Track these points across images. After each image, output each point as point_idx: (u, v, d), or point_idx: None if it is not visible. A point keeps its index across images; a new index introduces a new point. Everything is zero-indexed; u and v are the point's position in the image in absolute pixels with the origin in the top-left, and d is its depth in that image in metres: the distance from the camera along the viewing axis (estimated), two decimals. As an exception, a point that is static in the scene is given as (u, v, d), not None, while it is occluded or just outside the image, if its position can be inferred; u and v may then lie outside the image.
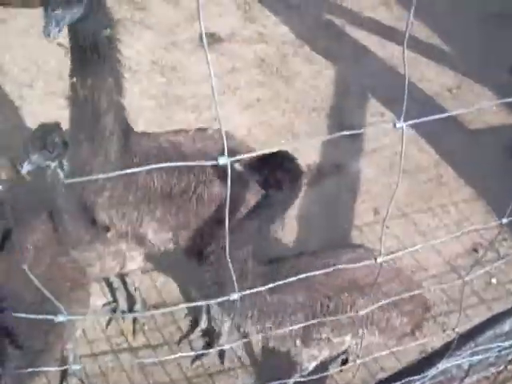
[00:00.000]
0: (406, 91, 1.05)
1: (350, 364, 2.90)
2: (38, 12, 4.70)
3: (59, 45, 4.66)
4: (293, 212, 3.65)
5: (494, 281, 3.51)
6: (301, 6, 5.30)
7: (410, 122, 1.04)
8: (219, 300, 1.26)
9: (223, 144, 1.02)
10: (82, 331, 2.96)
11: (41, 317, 1.16)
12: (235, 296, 1.22)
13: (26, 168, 2.31)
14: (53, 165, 2.33)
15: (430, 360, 2.48)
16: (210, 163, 1.04)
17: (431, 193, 3.92)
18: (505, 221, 1.40)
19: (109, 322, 3.12)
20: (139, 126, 4.04)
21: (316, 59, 4.79)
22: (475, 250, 3.62)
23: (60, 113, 3.53)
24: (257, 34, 4.97)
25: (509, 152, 4.11)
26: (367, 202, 3.79)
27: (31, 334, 2.17)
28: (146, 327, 3.14)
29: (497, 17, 5.18)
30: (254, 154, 2.03)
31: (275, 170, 2.20)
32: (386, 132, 4.21)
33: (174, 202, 2.54)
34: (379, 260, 1.30)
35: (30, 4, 4.87)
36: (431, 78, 4.73)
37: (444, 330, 3.24)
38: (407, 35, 1.07)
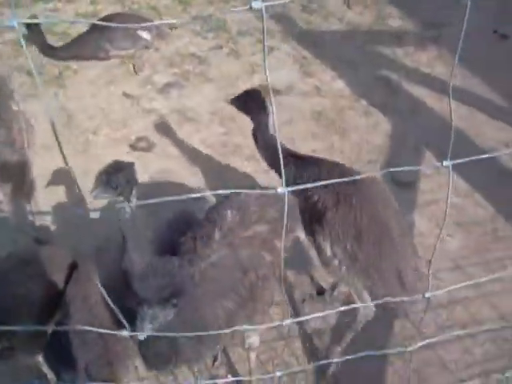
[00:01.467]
0: (453, 130, 1.10)
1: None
2: (107, 63, 5.01)
3: (125, 95, 4.90)
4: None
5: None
6: (357, 61, 5.43)
7: (457, 161, 1.10)
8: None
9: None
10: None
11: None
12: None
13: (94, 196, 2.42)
14: (120, 199, 2.40)
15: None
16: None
17: (487, 246, 3.88)
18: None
19: None
20: (198, 174, 4.21)
21: (372, 113, 4.87)
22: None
23: (123, 158, 3.72)
24: (314, 88, 5.10)
25: None
26: (420, 253, 3.78)
27: None
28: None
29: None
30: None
31: None
32: (440, 185, 4.22)
33: None
34: (427, 295, 1.34)
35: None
36: (487, 133, 4.74)
37: (500, 385, 3.17)
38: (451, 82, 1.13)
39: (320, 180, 2.67)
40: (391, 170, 1.15)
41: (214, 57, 5.44)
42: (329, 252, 2.86)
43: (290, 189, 1.02)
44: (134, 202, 2.39)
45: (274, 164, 3.27)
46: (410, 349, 1.35)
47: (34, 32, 4.55)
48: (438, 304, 3.49)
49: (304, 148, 4.45)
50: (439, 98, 5.04)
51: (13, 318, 2.44)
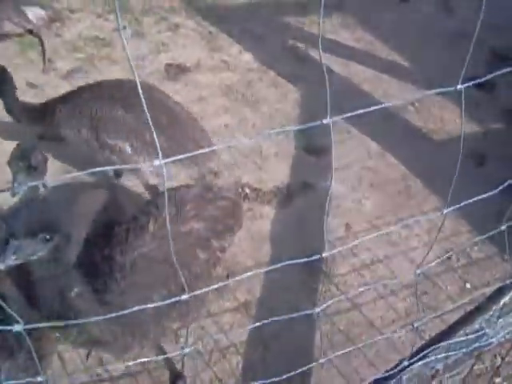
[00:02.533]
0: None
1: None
2: (6, 53, 4.78)
3: (29, 84, 4.72)
4: (264, 233, 3.72)
5: (468, 286, 3.57)
6: (264, 34, 5.42)
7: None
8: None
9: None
10: (61, 362, 2.96)
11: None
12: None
13: (17, 190, 2.38)
14: (41, 185, 2.41)
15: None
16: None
17: (401, 204, 3.99)
18: (445, 211, 1.46)
19: (89, 353, 3.12)
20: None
21: (281, 83, 4.89)
22: (448, 258, 3.69)
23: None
24: (222, 63, 5.07)
25: (473, 160, 4.21)
26: (338, 217, 3.85)
27: None
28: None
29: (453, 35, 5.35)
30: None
31: None
32: (352, 148, 4.30)
33: None
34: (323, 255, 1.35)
35: None
36: (394, 94, 4.84)
37: (421, 338, 3.28)
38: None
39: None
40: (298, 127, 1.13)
41: (118, 38, 5.30)
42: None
43: (167, 160, 1.00)
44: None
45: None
46: (317, 310, 1.36)
47: None
48: (361, 265, 3.58)
49: (216, 123, 4.43)
50: (345, 64, 5.11)
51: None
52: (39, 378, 1.17)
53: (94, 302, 2.11)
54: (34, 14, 4.87)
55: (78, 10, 5.71)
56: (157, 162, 0.98)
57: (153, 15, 5.59)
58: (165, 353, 2.94)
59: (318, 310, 1.36)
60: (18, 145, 2.62)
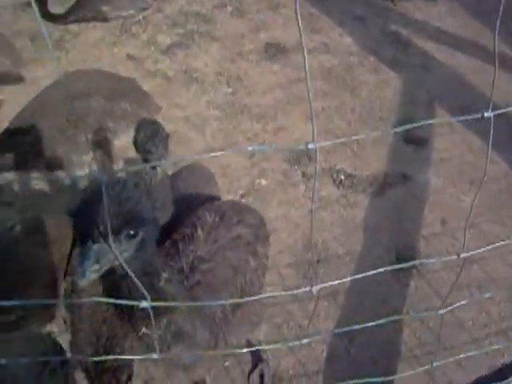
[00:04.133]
0: (495, 79, 1.01)
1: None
2: (108, 25, 4.90)
3: (129, 56, 4.80)
4: (358, 221, 3.63)
5: None
6: (366, 17, 5.29)
7: (498, 112, 1.01)
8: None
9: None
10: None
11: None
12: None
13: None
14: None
15: (500, 374, 2.43)
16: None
17: (501, 203, 3.80)
18: None
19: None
20: (206, 135, 4.13)
21: (382, 69, 4.75)
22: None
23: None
24: (322, 45, 4.97)
25: None
26: (435, 212, 3.71)
27: None
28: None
29: None
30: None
31: None
32: (453, 142, 4.14)
33: None
34: (462, 255, 1.26)
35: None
36: (501, 86, 4.61)
37: (516, 345, 3.13)
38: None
39: None
40: (406, 126, 1.05)
41: (219, 15, 5.29)
42: None
43: (319, 144, 0.94)
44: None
45: None
46: (441, 312, 1.28)
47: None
48: (454, 263, 3.44)
49: (314, 105, 4.35)
50: (451, 53, 4.91)
51: (21, 288, 2.40)
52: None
53: (180, 285, 2.04)
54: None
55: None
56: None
57: (253, -7, 5.55)
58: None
59: (442, 311, 1.27)
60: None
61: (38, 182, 3.26)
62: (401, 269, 3.37)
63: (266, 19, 5.23)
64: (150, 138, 2.40)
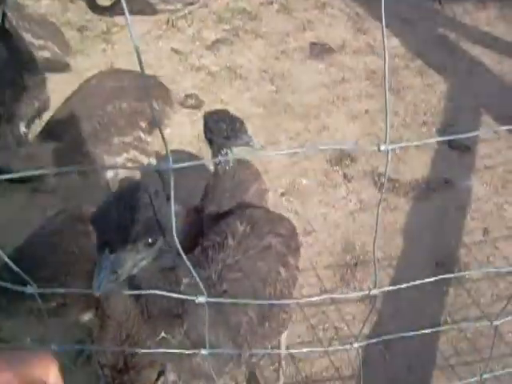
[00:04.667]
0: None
1: None
2: (155, 19, 4.92)
3: (173, 50, 4.82)
4: (398, 226, 3.59)
5: None
6: (413, 19, 5.22)
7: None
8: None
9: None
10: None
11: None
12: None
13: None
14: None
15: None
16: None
17: (547, 215, 3.73)
18: None
19: None
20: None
21: (428, 73, 4.69)
22: None
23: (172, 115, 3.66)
24: (367, 46, 4.93)
25: None
26: (477, 220, 3.65)
27: None
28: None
29: None
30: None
31: None
32: (498, 149, 4.06)
33: None
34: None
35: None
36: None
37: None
38: None
39: None
40: (454, 136, 1.02)
41: (265, 12, 5.28)
42: None
43: (392, 146, 0.92)
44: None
45: None
46: (496, 323, 1.25)
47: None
48: (495, 273, 3.37)
49: (358, 107, 4.32)
50: (499, 60, 4.82)
51: (62, 276, 2.42)
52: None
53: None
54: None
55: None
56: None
57: (300, -8, 5.52)
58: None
59: (496, 322, 1.25)
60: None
61: (77, 174, 3.30)
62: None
63: (311, 18, 5.21)
64: (229, 125, 2.43)
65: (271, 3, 5.39)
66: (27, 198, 3.50)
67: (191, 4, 5.21)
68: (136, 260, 1.41)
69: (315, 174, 3.85)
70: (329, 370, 2.99)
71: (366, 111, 4.29)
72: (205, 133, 2.55)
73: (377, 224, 1.03)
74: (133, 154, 3.29)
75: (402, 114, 4.30)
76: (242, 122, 2.52)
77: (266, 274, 2.35)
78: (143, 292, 1.44)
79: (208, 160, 3.10)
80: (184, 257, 0.90)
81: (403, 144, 0.99)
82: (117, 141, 3.19)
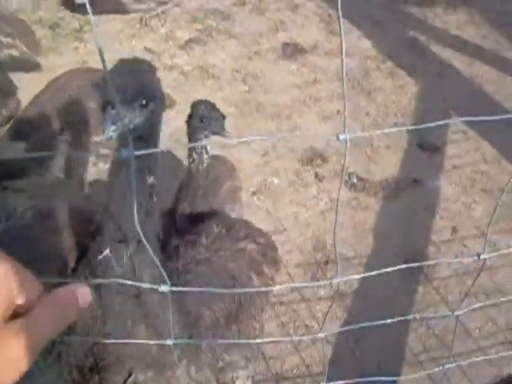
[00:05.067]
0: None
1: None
2: (127, 18, 4.91)
3: (146, 49, 4.81)
4: (368, 225, 3.63)
5: None
6: (385, 21, 5.29)
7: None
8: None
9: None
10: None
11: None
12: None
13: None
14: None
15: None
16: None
17: (513, 214, 3.80)
18: None
19: None
20: (220, 130, 4.13)
21: (399, 75, 4.75)
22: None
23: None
24: (339, 48, 4.97)
25: None
26: (445, 219, 3.71)
27: None
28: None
29: None
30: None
31: None
32: (466, 150, 4.13)
33: None
34: (482, 256, 1.24)
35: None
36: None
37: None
38: None
39: None
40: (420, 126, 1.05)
41: (238, 13, 5.30)
42: None
43: (350, 136, 0.94)
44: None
45: None
46: (457, 312, 1.27)
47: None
48: (464, 271, 3.43)
49: (329, 107, 4.36)
50: (468, 62, 4.90)
51: (36, 271, 2.40)
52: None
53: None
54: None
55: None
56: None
57: (273, -7, 5.56)
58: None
59: (457, 313, 1.27)
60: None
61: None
62: (409, 274, 3.36)
63: (284, 19, 5.24)
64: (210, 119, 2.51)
65: (244, 4, 5.42)
66: (-4, 196, 3.47)
67: (164, 3, 5.21)
68: (132, 117, 1.64)
69: (286, 174, 3.87)
70: (299, 367, 3.01)
71: (338, 111, 4.33)
72: (191, 121, 2.57)
73: (337, 217, 1.05)
74: (102, 152, 3.29)
75: (373, 114, 4.35)
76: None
77: (237, 274, 2.30)
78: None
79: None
80: (147, 244, 0.91)
81: (362, 134, 1.01)
82: (84, 139, 3.18)
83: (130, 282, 1.14)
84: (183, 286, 2.06)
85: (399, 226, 3.63)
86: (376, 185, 3.83)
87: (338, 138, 0.90)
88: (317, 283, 2.87)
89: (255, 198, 3.71)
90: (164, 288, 0.99)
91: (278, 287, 2.65)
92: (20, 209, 3.08)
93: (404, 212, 3.72)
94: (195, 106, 2.59)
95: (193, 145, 2.62)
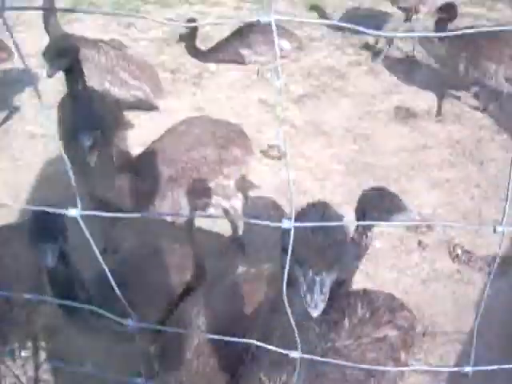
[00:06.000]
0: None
1: None
2: (245, 68, 5.07)
3: (261, 101, 4.95)
4: (471, 299, 3.52)
5: None
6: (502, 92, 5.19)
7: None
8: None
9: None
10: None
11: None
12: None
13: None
14: None
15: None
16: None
17: None
18: None
19: None
20: (326, 188, 4.16)
21: (512, 148, 4.64)
22: None
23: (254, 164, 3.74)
24: (453, 115, 4.92)
25: None
26: None
27: None
28: None
29: None
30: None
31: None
32: None
33: None
34: None
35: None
36: None
37: None
38: None
39: None
40: None
41: (353, 72, 5.38)
42: None
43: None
44: None
45: None
46: None
47: (189, 32, 4.64)
48: None
49: (437, 175, 4.30)
50: None
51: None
52: None
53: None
54: (281, 45, 5.08)
55: (317, 39, 5.89)
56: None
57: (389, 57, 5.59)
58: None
59: None
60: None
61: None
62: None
63: (398, 82, 5.25)
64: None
65: (360, 64, 5.48)
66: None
67: (282, 57, 5.35)
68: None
69: (390, 238, 3.83)
70: None
71: (447, 180, 4.27)
72: (361, 210, 2.58)
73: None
74: (215, 199, 3.39)
75: (483, 186, 4.24)
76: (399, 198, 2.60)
77: (373, 366, 2.23)
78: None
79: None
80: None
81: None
82: (198, 186, 3.30)
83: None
84: (318, 375, 2.04)
85: (505, 304, 3.49)
86: (481, 259, 3.72)
87: (494, 231, 0.90)
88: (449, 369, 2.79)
89: (355, 259, 3.68)
90: (295, 354, 1.00)
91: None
92: (127, 243, 3.21)
93: (510, 289, 3.58)
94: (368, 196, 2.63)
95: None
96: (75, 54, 3.03)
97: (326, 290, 1.50)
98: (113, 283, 1.20)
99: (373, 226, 2.62)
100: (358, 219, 2.62)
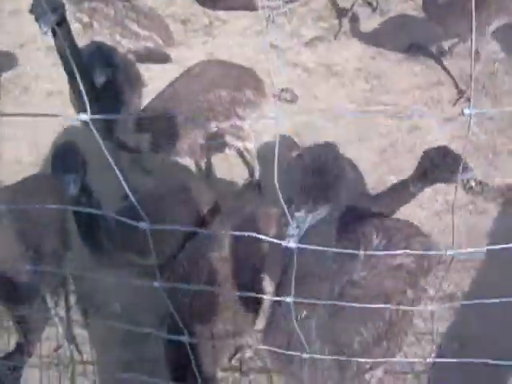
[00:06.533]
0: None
1: None
2: (255, 15, 5.06)
3: (272, 45, 4.95)
4: (484, 228, 3.57)
5: None
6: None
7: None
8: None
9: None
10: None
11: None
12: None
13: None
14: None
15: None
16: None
17: None
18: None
19: None
20: (340, 126, 4.19)
21: (527, 79, 4.60)
22: None
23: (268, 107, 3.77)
24: (465, 50, 4.87)
25: None
26: None
27: None
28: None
29: None
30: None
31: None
32: None
33: None
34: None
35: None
36: None
37: None
38: None
39: None
40: None
41: (363, 13, 5.32)
42: None
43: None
44: None
45: None
46: None
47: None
48: None
49: (452, 110, 4.31)
50: None
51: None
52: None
53: None
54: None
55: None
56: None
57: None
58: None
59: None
60: None
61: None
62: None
63: (406, 21, 5.20)
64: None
65: (369, 4, 5.43)
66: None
67: (292, 1, 5.32)
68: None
69: (404, 172, 3.86)
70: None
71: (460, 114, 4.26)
72: (422, 168, 2.68)
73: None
74: (228, 138, 3.47)
75: (497, 118, 4.23)
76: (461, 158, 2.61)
77: (391, 293, 2.29)
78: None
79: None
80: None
81: (484, 110, 1.06)
82: (214, 126, 3.37)
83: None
84: (337, 314, 2.10)
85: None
86: (495, 190, 3.76)
87: (462, 113, 0.96)
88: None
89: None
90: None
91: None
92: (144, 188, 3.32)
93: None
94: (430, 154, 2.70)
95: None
96: (62, 8, 2.86)
97: (303, 225, 1.66)
98: (131, 196, 1.29)
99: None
100: (418, 177, 2.71)
